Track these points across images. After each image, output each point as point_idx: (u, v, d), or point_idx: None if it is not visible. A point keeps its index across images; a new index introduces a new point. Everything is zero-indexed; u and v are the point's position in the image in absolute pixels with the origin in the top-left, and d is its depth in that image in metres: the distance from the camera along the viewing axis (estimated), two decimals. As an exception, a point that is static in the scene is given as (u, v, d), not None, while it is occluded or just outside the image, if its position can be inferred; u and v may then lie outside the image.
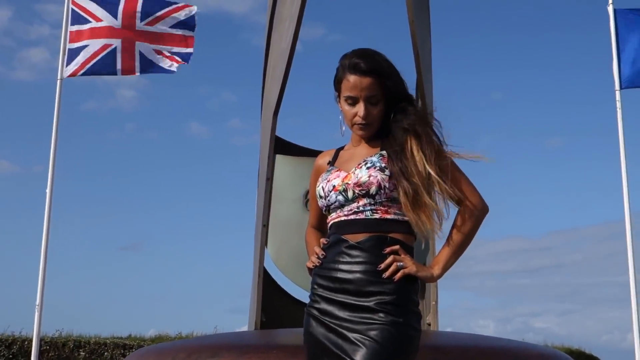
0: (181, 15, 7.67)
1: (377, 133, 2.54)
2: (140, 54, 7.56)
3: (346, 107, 2.51)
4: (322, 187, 2.50)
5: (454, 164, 2.45)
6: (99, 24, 7.57)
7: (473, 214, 2.44)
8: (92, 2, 7.58)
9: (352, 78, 2.46)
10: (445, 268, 2.45)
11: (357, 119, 2.49)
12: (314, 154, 5.64)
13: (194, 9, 7.73)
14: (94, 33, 7.52)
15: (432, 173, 2.36)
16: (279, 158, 5.56)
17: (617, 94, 8.29)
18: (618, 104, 8.25)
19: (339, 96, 2.56)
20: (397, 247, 2.38)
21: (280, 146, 5.79)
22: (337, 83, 2.54)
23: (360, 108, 2.48)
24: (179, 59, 7.53)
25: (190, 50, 7.65)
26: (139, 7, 7.59)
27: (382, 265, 2.34)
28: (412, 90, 5.89)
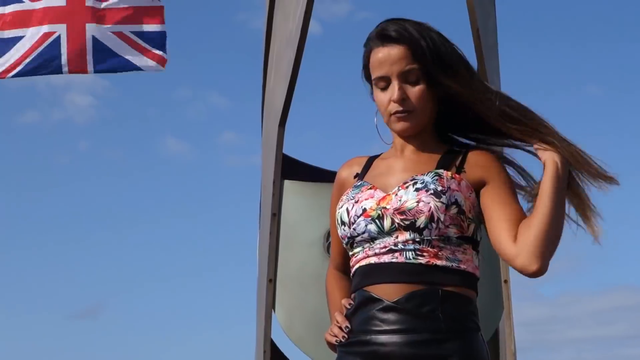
0: None
1: (434, 136, 2.49)
2: (94, 40, 7.42)
3: (379, 95, 2.46)
4: (347, 209, 2.42)
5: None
6: (36, 5, 7.47)
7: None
8: None
9: (379, 51, 2.43)
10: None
11: (392, 106, 2.41)
12: (337, 178, 5.55)
13: None
14: (30, 17, 7.42)
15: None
16: (288, 185, 5.50)
17: None
18: None
19: (371, 86, 2.51)
20: None
21: (291, 168, 5.75)
22: (366, 67, 2.51)
23: (393, 89, 2.41)
24: (153, 49, 7.33)
25: (160, 28, 7.45)
26: None
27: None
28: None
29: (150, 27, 7.41)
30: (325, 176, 5.88)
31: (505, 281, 5.21)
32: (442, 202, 2.30)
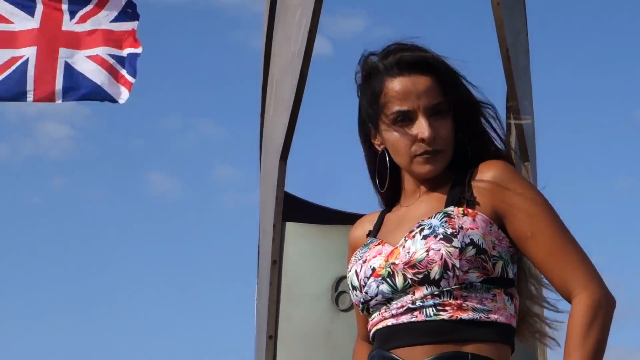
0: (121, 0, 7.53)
1: (445, 174, 2.44)
2: (67, 66, 7.49)
3: (396, 135, 2.39)
4: (356, 271, 2.40)
5: (557, 222, 2.34)
6: (8, 27, 7.56)
7: (597, 308, 2.28)
8: None
9: (399, 82, 2.38)
10: None
11: (419, 146, 2.35)
12: (350, 219, 5.53)
13: None
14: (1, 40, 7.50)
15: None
16: (291, 228, 5.47)
17: None
18: None
19: (375, 127, 2.44)
20: None
21: (294, 208, 5.71)
22: (372, 103, 2.43)
23: (421, 126, 2.35)
24: (128, 76, 7.40)
25: (137, 50, 7.52)
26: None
27: None
28: (500, 110, 5.81)
29: (128, 51, 7.48)
30: (333, 217, 5.89)
31: (540, 336, 5.19)
32: (454, 247, 2.25)
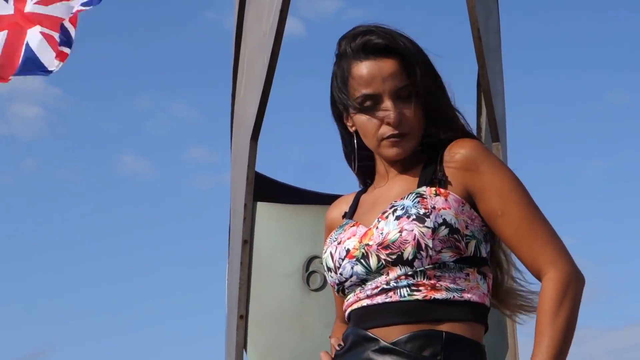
0: None
1: (416, 155, 2.46)
2: (27, 46, 7.48)
3: (364, 118, 2.43)
4: (331, 252, 2.44)
5: (526, 196, 2.37)
6: None
7: (566, 286, 2.31)
8: None
9: (365, 65, 2.41)
10: None
11: (385, 129, 2.39)
12: (321, 200, 5.55)
13: None
14: None
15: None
16: (262, 208, 5.45)
17: None
18: None
19: (345, 110, 2.48)
20: None
21: (265, 189, 5.70)
22: (341, 86, 2.47)
23: (388, 109, 2.39)
24: (62, 46, 7.30)
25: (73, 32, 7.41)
26: None
27: None
28: (472, 91, 5.82)
29: (69, 27, 7.43)
30: (304, 198, 5.89)
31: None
32: (427, 227, 2.28)
